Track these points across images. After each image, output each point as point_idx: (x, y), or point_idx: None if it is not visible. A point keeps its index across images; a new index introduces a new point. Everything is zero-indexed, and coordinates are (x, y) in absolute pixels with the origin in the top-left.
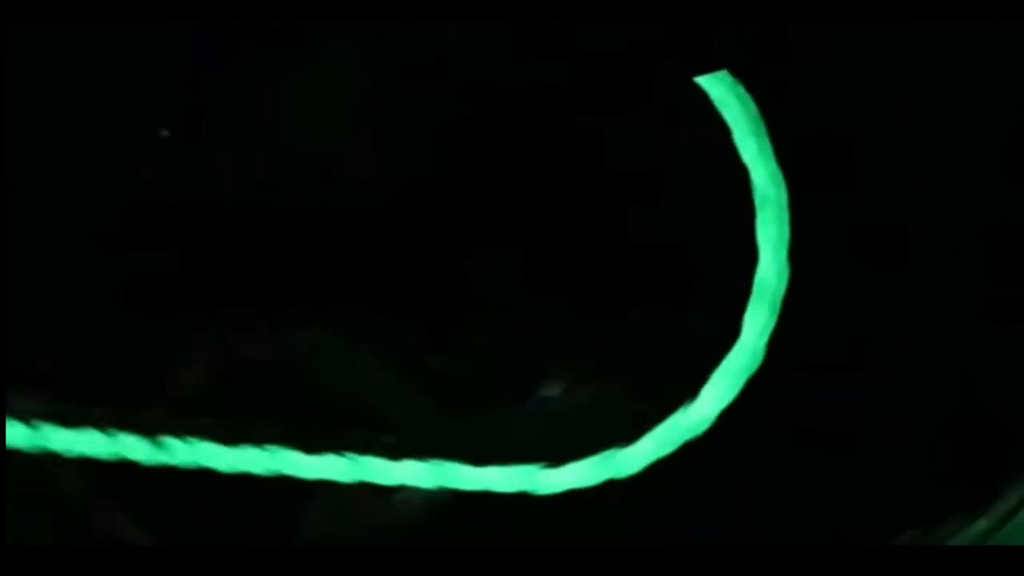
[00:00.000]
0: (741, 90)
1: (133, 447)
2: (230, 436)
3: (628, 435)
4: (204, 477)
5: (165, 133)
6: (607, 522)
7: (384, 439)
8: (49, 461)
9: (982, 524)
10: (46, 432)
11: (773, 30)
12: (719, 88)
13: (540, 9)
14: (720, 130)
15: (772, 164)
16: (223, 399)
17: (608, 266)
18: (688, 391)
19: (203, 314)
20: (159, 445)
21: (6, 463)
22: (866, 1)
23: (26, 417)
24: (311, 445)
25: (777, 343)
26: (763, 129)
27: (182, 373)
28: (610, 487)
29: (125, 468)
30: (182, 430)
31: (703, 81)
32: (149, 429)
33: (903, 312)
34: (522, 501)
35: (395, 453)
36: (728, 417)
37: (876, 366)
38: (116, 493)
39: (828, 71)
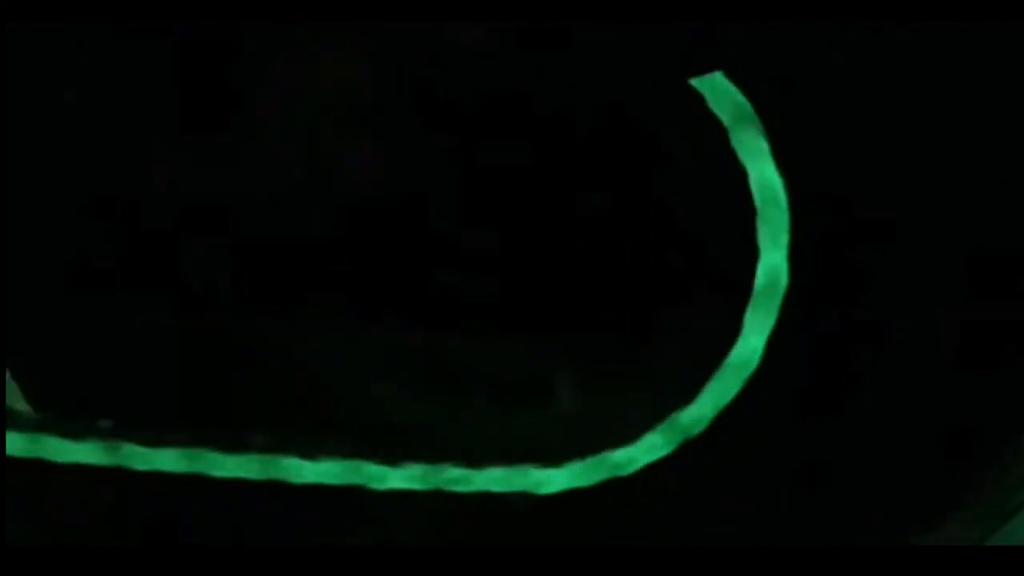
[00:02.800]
0: (736, 91)
1: (149, 458)
2: (232, 443)
3: (628, 435)
4: (202, 483)
5: (164, 133)
6: (606, 522)
7: (382, 443)
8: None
9: (977, 525)
10: (45, 441)
11: (772, 30)
12: (716, 88)
13: (538, 9)
14: (717, 130)
15: (770, 165)
16: (227, 405)
17: (607, 265)
18: (688, 390)
19: (207, 317)
20: (174, 452)
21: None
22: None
23: (24, 425)
24: (308, 450)
25: (776, 342)
26: (760, 128)
27: (187, 378)
28: (610, 487)
29: (132, 476)
30: (188, 437)
31: (698, 82)
32: (159, 436)
33: (901, 312)
34: (521, 501)
35: (393, 458)
36: (726, 416)
37: (875, 364)
38: (120, 498)
39: (828, 71)
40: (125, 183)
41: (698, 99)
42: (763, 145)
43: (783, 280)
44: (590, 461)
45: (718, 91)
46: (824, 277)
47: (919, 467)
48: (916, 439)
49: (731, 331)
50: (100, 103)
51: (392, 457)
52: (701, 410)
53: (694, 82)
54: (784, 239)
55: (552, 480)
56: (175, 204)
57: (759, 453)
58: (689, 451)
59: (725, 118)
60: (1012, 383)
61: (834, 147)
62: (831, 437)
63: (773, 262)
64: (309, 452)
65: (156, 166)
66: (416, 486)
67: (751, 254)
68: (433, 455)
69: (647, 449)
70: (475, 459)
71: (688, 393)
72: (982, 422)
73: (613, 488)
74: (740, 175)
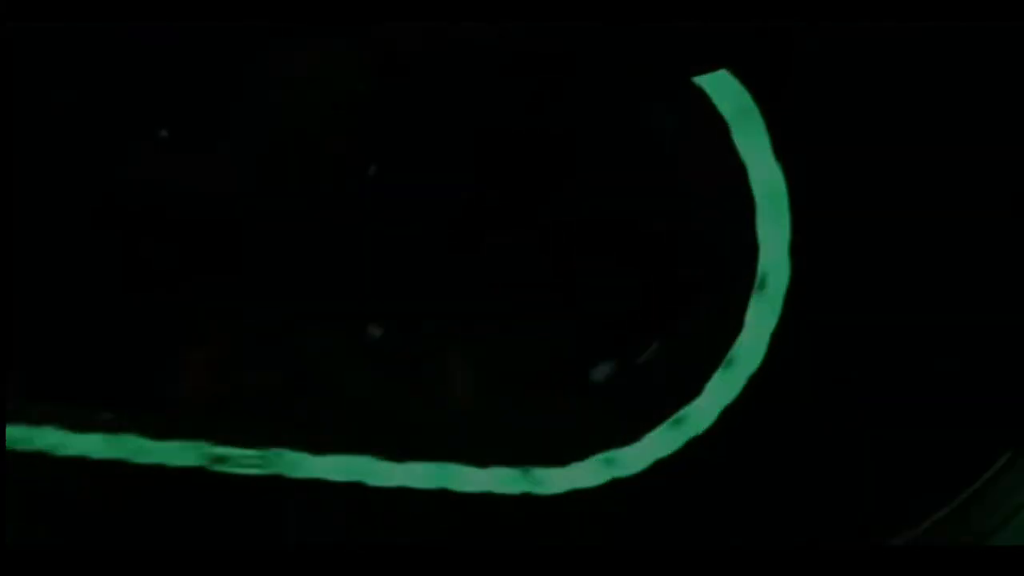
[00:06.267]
0: (740, 89)
1: (143, 450)
2: (259, 439)
3: (630, 436)
4: (231, 481)
5: (164, 133)
6: (610, 523)
7: (384, 441)
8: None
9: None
10: (50, 435)
11: (773, 29)
12: (719, 87)
13: (539, 9)
14: (720, 130)
15: (772, 162)
16: (238, 402)
17: (608, 264)
18: (691, 390)
19: (212, 316)
20: (180, 448)
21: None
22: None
23: (31, 420)
24: (316, 446)
25: (778, 342)
26: (762, 127)
27: (190, 376)
28: (614, 487)
29: (130, 472)
30: (194, 433)
31: (703, 81)
32: (160, 432)
33: (903, 309)
34: (525, 502)
35: (397, 455)
36: (728, 416)
37: (879, 364)
38: (119, 496)
39: (828, 69)
40: (121, 183)
41: (702, 96)
42: (765, 141)
43: (785, 275)
44: (594, 460)
45: (722, 88)
46: (823, 280)
47: (912, 469)
48: (916, 437)
49: (733, 327)
50: (92, 101)
51: (397, 455)
52: (706, 406)
53: (698, 80)
54: (786, 236)
55: (557, 481)
56: (169, 201)
57: (756, 455)
58: (690, 452)
59: (728, 115)
60: (1006, 389)
61: (836, 144)
62: (829, 440)
63: (775, 257)
64: (319, 448)
65: (151, 165)
66: (421, 484)
67: (752, 251)
68: (441, 453)
69: (652, 447)
70: (481, 459)
71: (691, 389)
72: (975, 427)
73: (617, 487)
74: (741, 172)
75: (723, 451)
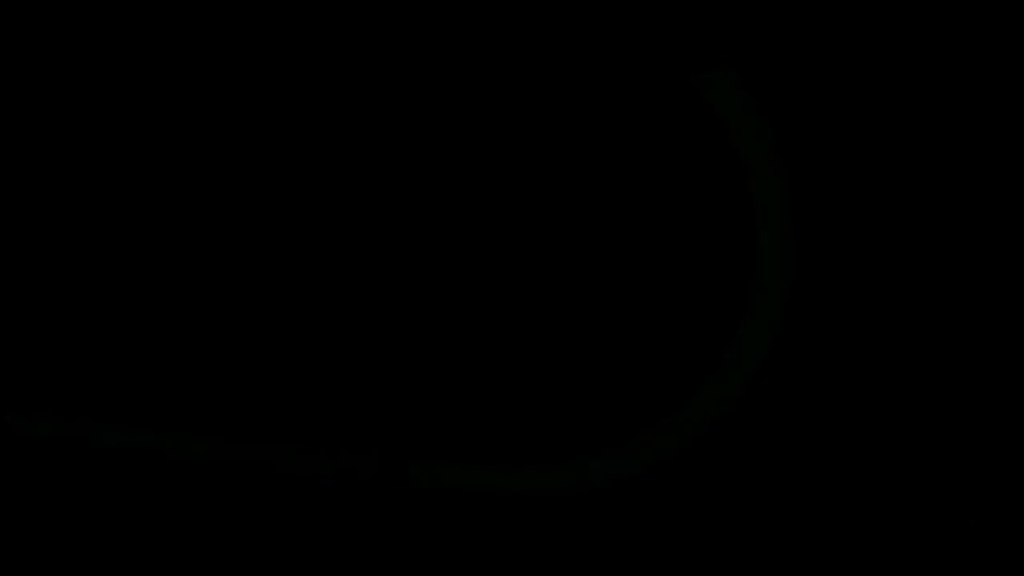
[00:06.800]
0: (741, 90)
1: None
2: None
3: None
4: (199, 474)
5: (165, 136)
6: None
7: (409, 438)
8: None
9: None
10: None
11: (776, 30)
12: (720, 88)
13: (542, 9)
14: (721, 130)
15: (774, 165)
16: (218, 398)
17: (630, 246)
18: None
19: (200, 318)
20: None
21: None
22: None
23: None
24: (314, 444)
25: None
26: (766, 128)
27: (177, 375)
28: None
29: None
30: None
31: (703, 82)
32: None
33: (912, 313)
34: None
35: (415, 452)
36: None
37: (890, 363)
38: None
39: (831, 70)
40: (120, 186)
41: (701, 96)
42: (766, 140)
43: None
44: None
45: (722, 88)
46: (831, 277)
47: (928, 470)
48: (921, 442)
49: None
50: (94, 101)
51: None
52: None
53: (699, 80)
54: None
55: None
56: (174, 208)
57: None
58: (694, 453)
59: (729, 115)
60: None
61: (838, 141)
62: (840, 436)
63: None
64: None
65: (155, 169)
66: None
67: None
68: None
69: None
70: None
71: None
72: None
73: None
74: (741, 172)
75: (735, 448)
